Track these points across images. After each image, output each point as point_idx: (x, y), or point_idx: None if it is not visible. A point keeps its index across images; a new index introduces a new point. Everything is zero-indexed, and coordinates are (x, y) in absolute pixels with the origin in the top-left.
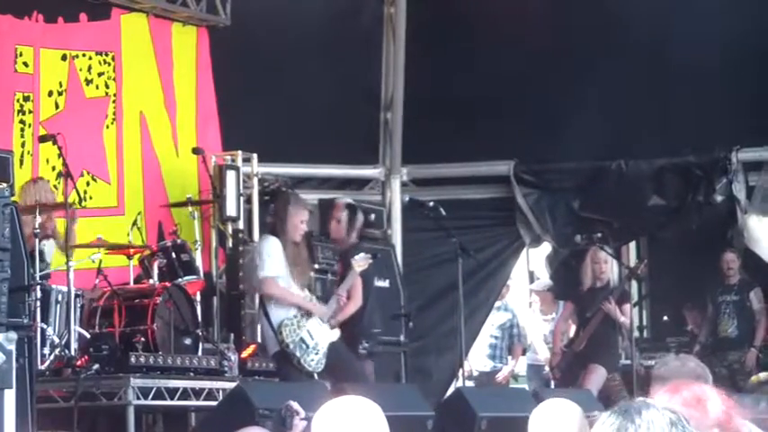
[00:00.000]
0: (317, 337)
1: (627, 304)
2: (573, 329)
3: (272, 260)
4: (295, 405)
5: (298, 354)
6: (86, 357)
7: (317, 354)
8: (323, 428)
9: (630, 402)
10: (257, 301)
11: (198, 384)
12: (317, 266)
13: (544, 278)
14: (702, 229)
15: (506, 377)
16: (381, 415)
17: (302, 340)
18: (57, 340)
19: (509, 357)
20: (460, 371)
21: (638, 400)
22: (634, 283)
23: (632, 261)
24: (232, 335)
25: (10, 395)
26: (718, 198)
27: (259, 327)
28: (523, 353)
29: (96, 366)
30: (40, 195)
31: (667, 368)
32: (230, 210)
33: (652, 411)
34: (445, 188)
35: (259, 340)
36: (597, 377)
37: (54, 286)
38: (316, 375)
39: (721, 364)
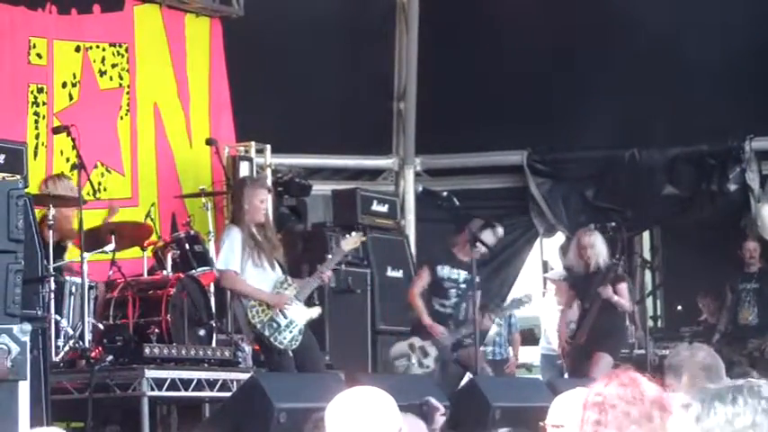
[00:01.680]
0: (291, 316)
1: (622, 283)
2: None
3: (232, 254)
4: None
5: (267, 333)
6: (100, 349)
7: (290, 332)
8: (336, 419)
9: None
10: None
11: (212, 375)
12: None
13: (558, 268)
14: (716, 218)
15: (512, 366)
16: (394, 405)
17: (272, 319)
18: (71, 332)
19: (509, 347)
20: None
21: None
22: (648, 273)
23: (646, 250)
24: None
25: (24, 387)
26: (732, 187)
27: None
28: (532, 342)
29: (110, 358)
30: (61, 191)
31: (678, 358)
32: None
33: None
34: (459, 178)
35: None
36: (602, 366)
37: (68, 278)
38: (290, 353)
39: (740, 352)
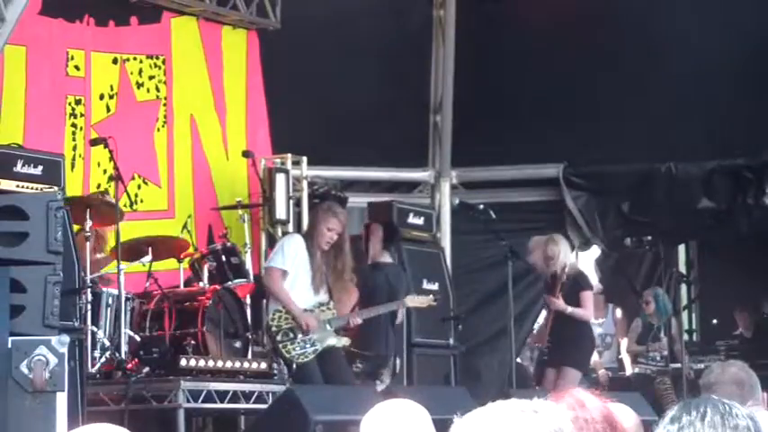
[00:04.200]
0: (313, 335)
1: (585, 292)
2: None
3: (286, 255)
4: None
5: (279, 338)
6: (137, 360)
7: (302, 348)
8: (372, 430)
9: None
10: None
11: (248, 387)
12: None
13: (594, 281)
14: (752, 231)
15: None
16: (428, 418)
17: (291, 330)
18: (107, 343)
19: None
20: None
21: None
22: (683, 287)
23: (681, 264)
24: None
25: (62, 398)
26: None
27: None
28: None
29: (147, 369)
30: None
31: (711, 376)
32: (280, 213)
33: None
34: (494, 191)
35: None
36: (568, 380)
37: (104, 289)
38: (294, 365)
39: None
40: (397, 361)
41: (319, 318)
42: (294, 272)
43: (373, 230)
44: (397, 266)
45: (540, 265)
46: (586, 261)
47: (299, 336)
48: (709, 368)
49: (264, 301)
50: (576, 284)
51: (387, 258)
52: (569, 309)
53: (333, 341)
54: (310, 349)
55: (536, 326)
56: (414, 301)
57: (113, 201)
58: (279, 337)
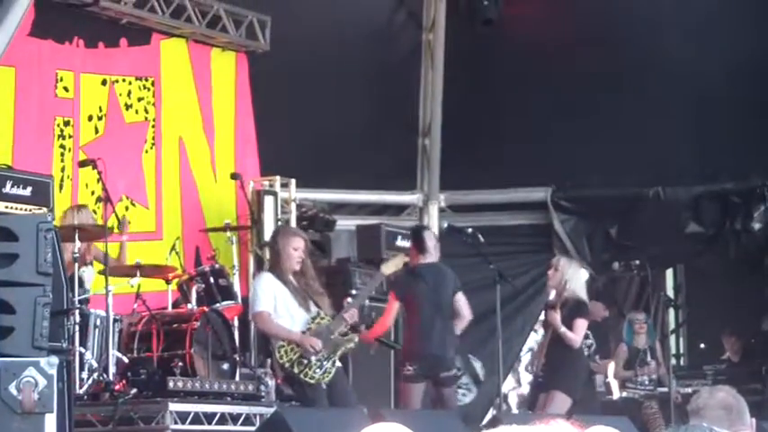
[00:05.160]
0: (324, 350)
1: (579, 319)
2: None
3: (263, 296)
4: None
5: (296, 370)
6: (124, 382)
7: (321, 367)
8: None
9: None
10: None
11: (235, 409)
12: (353, 291)
13: None
14: (740, 256)
15: None
16: None
17: (301, 357)
18: (95, 364)
19: None
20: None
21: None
22: (671, 311)
23: (669, 288)
24: (269, 360)
25: (51, 419)
26: (756, 226)
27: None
28: None
29: (134, 391)
30: (82, 222)
31: (698, 401)
32: (268, 235)
33: None
34: (483, 214)
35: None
36: (556, 405)
37: (92, 310)
38: (324, 385)
39: None
40: (477, 365)
41: (320, 331)
42: (277, 306)
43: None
44: (434, 264)
45: (552, 282)
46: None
47: (313, 358)
48: (697, 393)
49: (254, 336)
50: (573, 310)
51: (427, 260)
52: (563, 328)
53: (344, 345)
54: (328, 364)
55: (524, 350)
56: (389, 267)
57: (92, 216)
58: (295, 370)
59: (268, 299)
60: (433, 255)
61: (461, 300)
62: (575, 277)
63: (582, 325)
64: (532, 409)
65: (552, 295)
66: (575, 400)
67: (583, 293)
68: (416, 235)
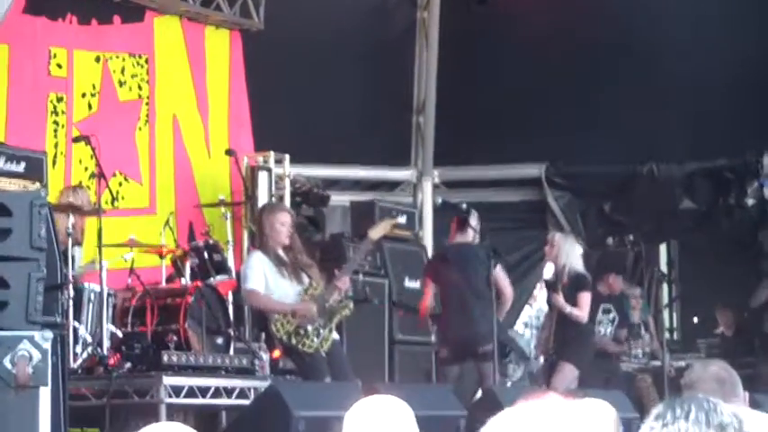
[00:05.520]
0: (320, 318)
1: (582, 293)
2: None
3: (253, 273)
4: None
5: (294, 341)
6: (119, 356)
7: (318, 335)
8: (354, 427)
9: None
10: None
11: (229, 383)
12: (360, 247)
13: None
14: (733, 232)
15: None
16: (411, 414)
17: (298, 327)
18: (89, 339)
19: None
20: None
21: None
22: (665, 286)
23: (663, 264)
24: (263, 334)
25: (45, 393)
26: (750, 201)
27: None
28: None
29: (128, 365)
30: (78, 201)
31: (691, 375)
32: None
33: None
34: (476, 190)
35: None
36: (563, 375)
37: (86, 285)
38: (323, 353)
39: (766, 363)
40: (522, 341)
41: (314, 300)
42: (268, 283)
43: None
44: (464, 244)
45: (551, 258)
46: None
47: (309, 328)
48: (690, 367)
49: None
50: (575, 285)
51: (461, 239)
52: (568, 308)
53: (340, 312)
54: (325, 332)
55: (518, 324)
56: (377, 231)
57: (89, 198)
58: (293, 341)
59: (258, 277)
60: (469, 235)
61: (499, 275)
62: (571, 251)
63: (586, 298)
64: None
65: (547, 271)
66: (582, 371)
67: (580, 266)
68: (461, 214)
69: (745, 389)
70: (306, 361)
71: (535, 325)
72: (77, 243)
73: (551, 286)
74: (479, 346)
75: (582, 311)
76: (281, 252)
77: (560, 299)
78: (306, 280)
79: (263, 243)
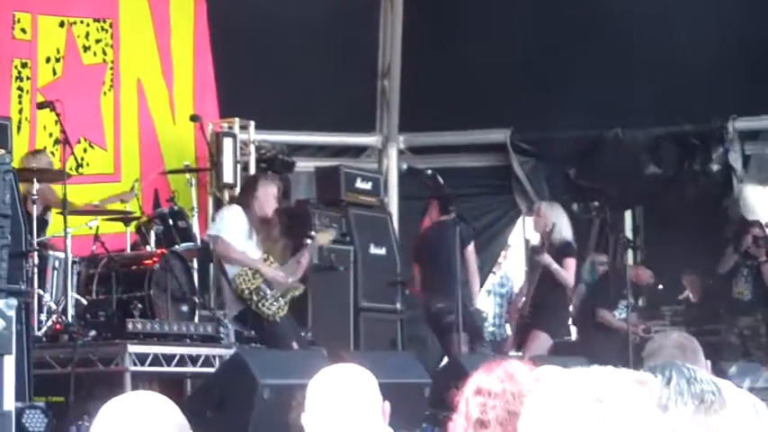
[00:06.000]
0: (277, 289)
1: (568, 258)
2: None
3: (230, 225)
4: None
5: (255, 298)
6: (83, 324)
7: (277, 303)
8: (317, 394)
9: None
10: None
11: (194, 351)
12: (313, 233)
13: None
14: (698, 197)
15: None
16: (375, 382)
17: (259, 288)
18: (54, 306)
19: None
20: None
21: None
22: (630, 252)
23: (628, 230)
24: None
25: (10, 361)
26: (715, 167)
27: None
28: None
29: (93, 333)
30: (41, 166)
31: (653, 345)
32: (227, 177)
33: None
34: (442, 156)
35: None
36: (537, 343)
37: (51, 252)
38: (278, 319)
39: (732, 330)
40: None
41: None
42: (237, 241)
43: (431, 206)
44: (442, 222)
45: (537, 228)
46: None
47: (269, 292)
48: (651, 340)
49: (213, 276)
50: (561, 251)
51: (444, 218)
52: (555, 265)
53: (294, 290)
54: (282, 302)
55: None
56: (323, 237)
57: (50, 161)
58: (254, 297)
59: (233, 230)
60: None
61: (469, 252)
62: (559, 220)
63: (571, 264)
64: (519, 350)
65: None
66: (555, 340)
67: (569, 235)
68: (445, 196)
69: (709, 356)
70: (264, 325)
71: (498, 292)
72: (49, 208)
73: (537, 249)
74: (442, 319)
75: (568, 275)
76: (258, 220)
77: (548, 257)
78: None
79: (248, 204)
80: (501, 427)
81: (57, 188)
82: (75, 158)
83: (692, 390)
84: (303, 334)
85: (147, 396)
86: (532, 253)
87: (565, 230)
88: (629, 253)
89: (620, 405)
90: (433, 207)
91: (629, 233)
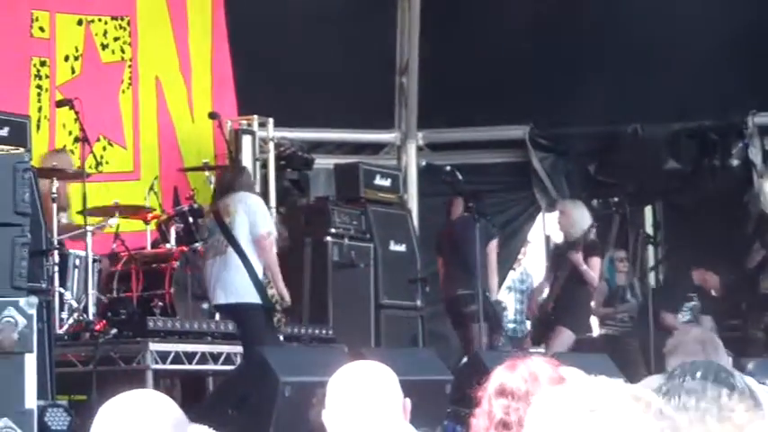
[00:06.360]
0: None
1: (595, 258)
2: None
3: (271, 219)
4: None
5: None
6: (104, 322)
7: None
8: (338, 391)
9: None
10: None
11: (215, 348)
12: (333, 231)
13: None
14: (718, 193)
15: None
16: (395, 379)
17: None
18: (75, 304)
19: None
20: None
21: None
22: (650, 248)
23: (648, 225)
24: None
25: (31, 359)
26: (734, 162)
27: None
28: None
29: (114, 331)
30: (61, 165)
31: (673, 341)
32: None
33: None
34: (461, 153)
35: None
36: (561, 340)
37: (72, 251)
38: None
39: (758, 326)
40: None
41: None
42: None
43: (454, 203)
44: (466, 217)
45: (561, 227)
46: (552, 223)
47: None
48: (671, 336)
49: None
50: (587, 251)
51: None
52: (584, 266)
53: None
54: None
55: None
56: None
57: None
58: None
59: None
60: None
61: (491, 248)
62: (582, 218)
63: (597, 263)
64: (539, 345)
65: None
66: (578, 336)
67: (592, 233)
68: (469, 193)
69: (732, 351)
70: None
71: (518, 288)
72: (62, 208)
73: (564, 248)
74: (463, 309)
75: (595, 275)
76: None
77: (579, 256)
78: None
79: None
80: (524, 429)
81: (70, 191)
82: (95, 157)
83: (726, 385)
84: (324, 332)
85: (143, 393)
86: (555, 251)
87: (585, 226)
88: (650, 249)
89: (613, 416)
90: (457, 203)
91: (649, 229)
